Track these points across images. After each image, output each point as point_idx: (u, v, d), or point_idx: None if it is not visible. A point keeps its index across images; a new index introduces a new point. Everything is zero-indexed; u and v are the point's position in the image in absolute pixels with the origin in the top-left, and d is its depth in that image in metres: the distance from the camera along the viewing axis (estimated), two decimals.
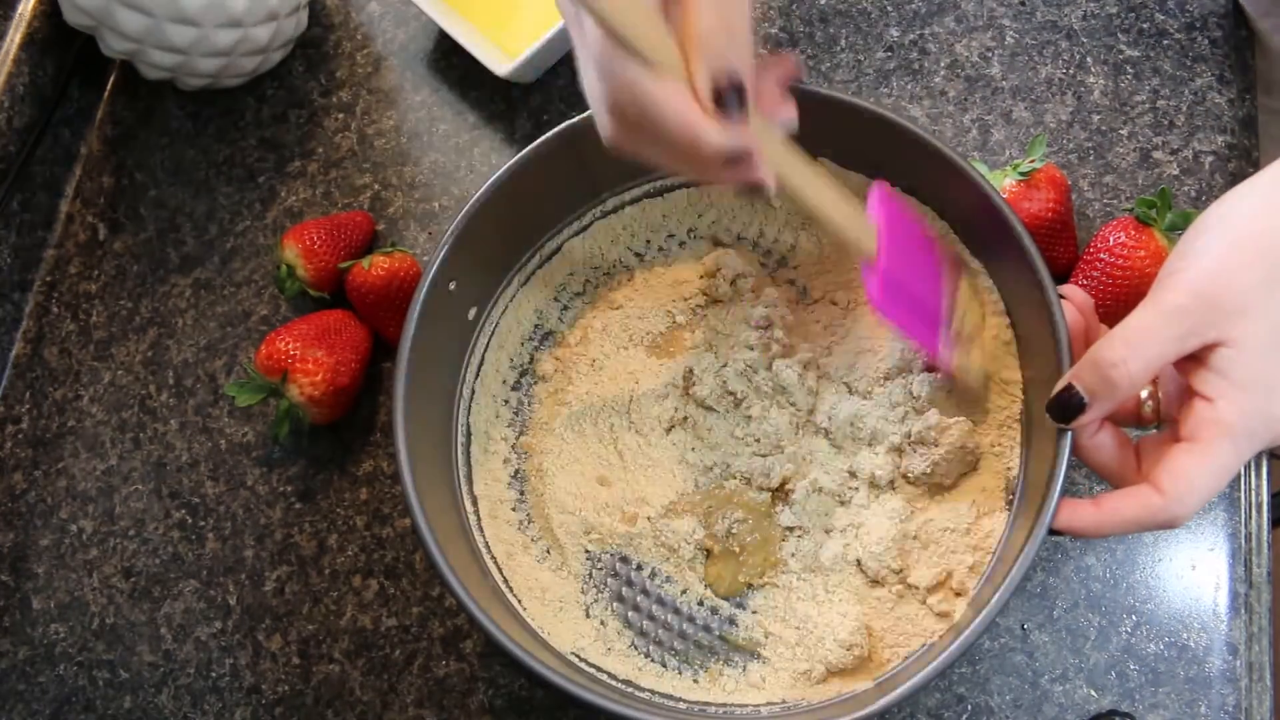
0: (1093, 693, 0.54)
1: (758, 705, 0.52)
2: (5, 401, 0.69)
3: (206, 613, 0.62)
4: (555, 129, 0.56)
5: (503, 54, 0.68)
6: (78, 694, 0.61)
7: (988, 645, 0.56)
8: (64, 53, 0.74)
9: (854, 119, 0.55)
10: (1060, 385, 0.44)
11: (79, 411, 0.68)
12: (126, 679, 0.61)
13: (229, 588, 0.62)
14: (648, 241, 0.63)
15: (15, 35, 0.71)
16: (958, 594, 0.51)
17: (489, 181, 0.55)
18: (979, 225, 0.55)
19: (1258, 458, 0.58)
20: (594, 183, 0.61)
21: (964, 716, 0.55)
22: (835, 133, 0.56)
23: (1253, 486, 0.58)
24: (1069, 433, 0.46)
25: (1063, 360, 0.47)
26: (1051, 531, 0.45)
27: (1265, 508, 0.58)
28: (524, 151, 0.56)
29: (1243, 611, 0.55)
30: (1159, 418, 0.46)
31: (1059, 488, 0.45)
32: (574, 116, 0.55)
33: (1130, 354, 0.42)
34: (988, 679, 0.55)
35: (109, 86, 0.77)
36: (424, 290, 0.54)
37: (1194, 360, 0.42)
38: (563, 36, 0.67)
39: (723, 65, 0.39)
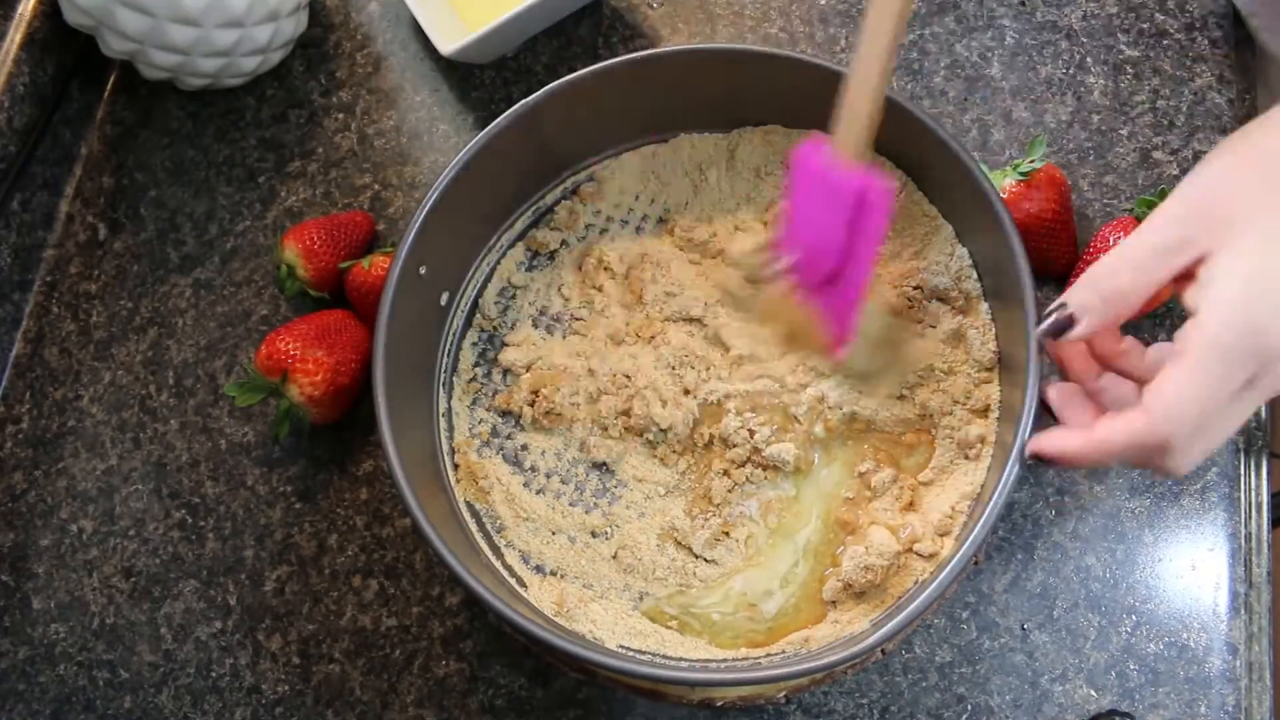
0: (1093, 693, 0.54)
1: (757, 659, 0.52)
2: (5, 401, 0.69)
3: (206, 613, 0.62)
4: (513, 108, 0.56)
5: (466, 33, 0.67)
6: (78, 694, 0.61)
7: (987, 645, 0.56)
8: (64, 53, 0.74)
9: (801, 76, 0.56)
10: (1055, 304, 0.44)
11: (79, 411, 0.68)
12: (126, 679, 0.61)
13: (229, 588, 0.62)
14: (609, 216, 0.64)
15: (15, 35, 0.71)
16: (942, 535, 0.52)
17: (453, 164, 0.56)
18: (915, 152, 0.56)
19: (1258, 457, 0.58)
20: (555, 161, 0.62)
21: (964, 716, 0.55)
22: (782, 92, 0.58)
23: (1253, 486, 0.58)
24: (1038, 356, 0.47)
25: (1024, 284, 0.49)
26: (1042, 461, 0.45)
27: (1265, 508, 0.58)
28: (485, 131, 0.56)
29: (1242, 611, 0.55)
30: None
31: (1034, 387, 0.47)
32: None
33: (1122, 265, 0.42)
34: (988, 679, 0.55)
35: (109, 87, 0.77)
36: (395, 274, 0.54)
37: (1186, 278, 0.42)
38: (521, 18, 0.65)
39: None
